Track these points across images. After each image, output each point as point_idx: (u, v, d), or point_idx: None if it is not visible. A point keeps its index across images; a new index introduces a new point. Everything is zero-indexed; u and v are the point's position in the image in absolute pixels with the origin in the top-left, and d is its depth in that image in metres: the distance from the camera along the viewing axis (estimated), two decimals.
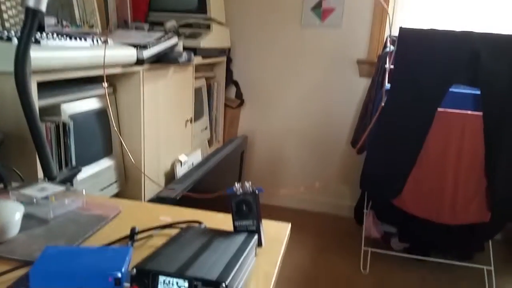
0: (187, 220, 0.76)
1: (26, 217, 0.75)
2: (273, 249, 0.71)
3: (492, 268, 1.96)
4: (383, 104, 1.87)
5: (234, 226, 0.68)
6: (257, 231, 0.67)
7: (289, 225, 0.80)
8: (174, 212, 0.83)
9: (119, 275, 0.53)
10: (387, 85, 1.88)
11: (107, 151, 1.45)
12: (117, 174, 1.50)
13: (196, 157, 2.06)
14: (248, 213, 0.68)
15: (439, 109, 1.78)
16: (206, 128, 2.33)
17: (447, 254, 2.14)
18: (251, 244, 0.60)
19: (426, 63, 1.76)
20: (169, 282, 0.48)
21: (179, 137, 1.92)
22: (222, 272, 0.49)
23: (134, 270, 0.49)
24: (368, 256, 2.10)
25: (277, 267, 0.65)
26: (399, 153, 1.87)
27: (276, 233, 0.77)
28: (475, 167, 1.80)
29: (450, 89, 1.77)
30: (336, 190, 2.72)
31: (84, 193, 0.82)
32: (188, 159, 1.94)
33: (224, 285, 0.47)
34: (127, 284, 0.54)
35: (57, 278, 0.53)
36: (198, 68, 2.20)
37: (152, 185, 1.65)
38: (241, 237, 0.63)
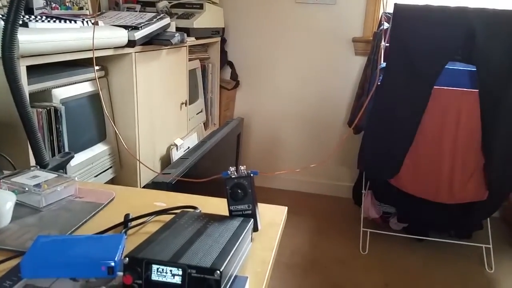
0: (182, 206, 0.75)
1: (18, 205, 0.73)
2: (269, 233, 0.70)
3: (491, 246, 1.98)
4: (378, 83, 1.85)
5: (230, 211, 0.67)
6: (253, 215, 0.67)
7: (286, 208, 0.79)
8: (169, 197, 0.82)
9: (112, 264, 0.52)
10: (383, 64, 1.86)
11: (101, 137, 1.44)
12: (112, 159, 1.48)
13: (192, 140, 2.05)
14: (243, 197, 0.67)
15: (435, 87, 1.76)
16: (201, 111, 2.30)
17: (446, 233, 2.16)
18: (246, 228, 0.60)
19: (421, 40, 1.74)
20: (162, 270, 0.47)
21: (174, 120, 1.90)
22: (216, 259, 0.48)
23: (126, 259, 0.48)
24: (367, 237, 2.11)
25: (273, 252, 0.65)
26: (396, 132, 1.86)
27: (273, 217, 0.76)
28: (472, 145, 1.80)
29: (446, 66, 1.75)
30: (334, 171, 2.72)
31: (76, 180, 0.80)
32: (184, 143, 1.93)
33: (218, 272, 0.46)
34: (120, 273, 0.54)
35: (49, 268, 0.52)
36: (192, 49, 2.17)
37: (147, 169, 1.64)
38: (236, 222, 0.62)
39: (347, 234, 2.22)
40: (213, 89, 2.50)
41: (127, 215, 0.71)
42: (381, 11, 2.38)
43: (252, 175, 0.67)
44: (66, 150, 1.18)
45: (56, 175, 0.80)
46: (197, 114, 2.23)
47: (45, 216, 0.72)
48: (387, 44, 1.87)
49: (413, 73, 1.77)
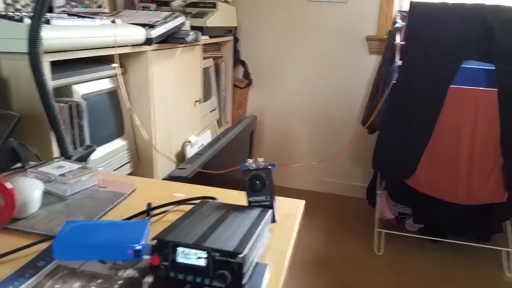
0: (201, 196, 0.78)
1: (45, 194, 0.76)
2: (286, 225, 0.72)
3: (511, 250, 1.94)
4: (394, 81, 1.85)
5: (248, 202, 0.69)
6: (271, 206, 0.68)
7: (303, 202, 0.81)
8: (187, 189, 0.85)
9: (139, 247, 0.55)
10: (398, 62, 1.86)
11: (119, 132, 1.47)
12: (129, 154, 1.51)
13: (206, 137, 2.07)
14: (262, 188, 0.69)
15: (452, 86, 1.76)
16: (215, 109, 2.33)
17: (463, 236, 2.12)
18: (265, 218, 0.62)
19: (438, 38, 1.74)
20: (188, 252, 0.49)
21: (188, 118, 1.92)
22: (238, 244, 0.50)
23: (154, 241, 0.50)
24: (381, 238, 2.10)
25: (291, 243, 0.66)
26: (412, 132, 1.85)
27: (290, 209, 0.78)
28: (490, 145, 1.78)
29: (463, 65, 1.75)
30: (347, 171, 2.73)
31: (100, 171, 0.83)
32: (198, 140, 1.95)
33: (241, 255, 0.48)
34: (145, 256, 0.56)
35: (79, 251, 0.55)
36: (205, 48, 2.19)
37: (164, 165, 1.67)
38: (256, 212, 0.64)
39: (361, 234, 2.22)
40: (226, 88, 2.52)
41: (149, 204, 0.74)
42: (396, 8, 2.39)
43: (270, 167, 0.69)
44: (88, 143, 1.22)
45: (80, 166, 0.83)
46: (210, 112, 2.26)
47: (71, 204, 0.74)
48: (402, 42, 1.87)
49: (429, 72, 1.77)
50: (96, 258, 0.55)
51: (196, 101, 1.99)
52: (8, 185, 0.61)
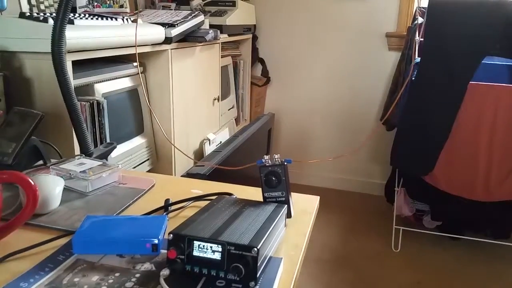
0: (218, 192, 0.79)
1: (66, 190, 0.78)
2: (302, 220, 0.72)
3: None
4: (413, 78, 1.83)
5: (264, 197, 0.70)
6: (286, 202, 0.69)
7: (318, 198, 0.81)
8: (205, 185, 0.86)
9: (156, 241, 0.56)
10: (417, 59, 1.84)
11: (139, 130, 1.49)
12: (149, 152, 1.54)
13: (224, 135, 2.09)
14: (277, 184, 0.69)
15: (471, 82, 1.73)
16: (233, 107, 2.34)
17: (482, 233, 2.10)
18: (281, 213, 0.62)
19: (457, 34, 1.71)
20: (203, 246, 0.50)
21: (206, 115, 1.94)
22: (253, 238, 0.51)
23: (171, 235, 0.51)
24: (399, 235, 2.09)
25: (306, 237, 0.67)
26: (430, 128, 1.83)
27: (305, 205, 0.78)
28: (509, 142, 1.75)
29: (483, 61, 1.71)
30: (365, 168, 2.71)
31: (120, 167, 0.85)
32: (216, 138, 1.97)
33: (255, 249, 0.48)
34: (163, 251, 0.57)
35: (98, 245, 0.56)
36: (224, 46, 2.21)
37: (182, 162, 1.69)
38: (271, 207, 0.64)
39: (378, 232, 2.20)
40: (244, 86, 2.53)
41: (167, 200, 0.75)
42: (415, 5, 2.35)
43: (286, 163, 0.70)
44: (108, 141, 1.24)
45: (101, 163, 0.85)
46: (228, 110, 2.27)
47: (91, 200, 0.76)
48: (422, 39, 1.84)
49: (449, 68, 1.74)
50: (115, 252, 0.56)
51: (215, 99, 2.00)
52: (32, 182, 0.63)
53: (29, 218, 0.62)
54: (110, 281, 0.50)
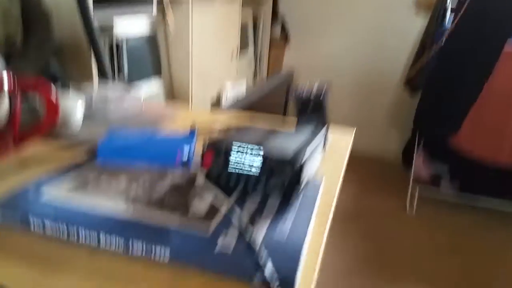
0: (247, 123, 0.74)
1: (86, 118, 0.75)
2: (337, 150, 0.68)
3: None
4: (443, 41, 1.75)
5: (298, 123, 0.65)
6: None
7: (354, 130, 0.77)
8: (232, 118, 0.81)
9: (187, 152, 0.52)
10: (448, 22, 1.76)
11: (157, 73, 1.44)
12: (165, 96, 1.49)
13: (241, 89, 2.03)
14: (314, 114, 0.65)
15: (506, 48, 1.65)
16: (250, 64, 2.28)
17: (501, 200, 2.05)
18: (320, 134, 0.57)
19: (496, 2, 1.62)
20: (242, 158, 0.46)
21: (224, 70, 1.88)
22: (296, 152, 0.46)
23: (207, 142, 0.47)
24: (415, 199, 2.05)
25: (345, 161, 0.63)
26: (459, 92, 1.78)
27: (339, 138, 0.74)
28: None
29: None
30: (383, 133, 2.65)
31: (142, 95, 0.81)
32: (233, 92, 1.92)
33: (299, 163, 0.44)
34: (195, 165, 0.53)
35: (125, 152, 0.52)
36: (244, 2, 2.13)
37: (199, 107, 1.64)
38: (309, 129, 0.60)
39: (394, 195, 2.17)
40: (263, 44, 2.46)
41: (193, 125, 0.71)
42: None
43: (325, 90, 0.65)
44: (126, 80, 1.20)
45: (122, 90, 0.81)
46: (246, 66, 2.21)
47: (113, 126, 0.72)
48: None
49: (482, 32, 1.67)
50: (143, 161, 0.53)
51: (233, 54, 1.94)
52: (54, 92, 0.59)
53: (48, 132, 0.58)
54: (139, 187, 0.46)
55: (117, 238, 0.38)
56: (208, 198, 0.45)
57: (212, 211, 0.42)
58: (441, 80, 1.82)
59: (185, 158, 0.52)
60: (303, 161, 0.45)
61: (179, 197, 0.45)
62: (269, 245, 0.37)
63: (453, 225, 1.93)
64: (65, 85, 0.86)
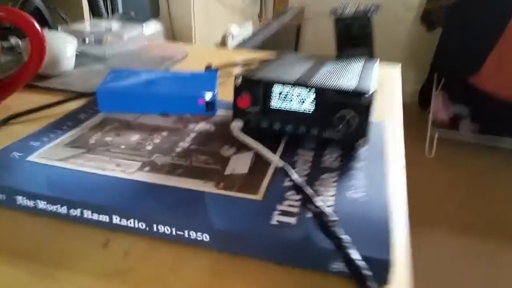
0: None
1: (80, 56, 0.62)
2: (388, 89, 0.56)
3: None
4: None
5: (340, 55, 0.53)
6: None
7: (399, 65, 0.65)
8: (252, 56, 0.69)
9: (211, 97, 0.41)
10: None
11: (154, 14, 1.30)
12: (165, 38, 1.35)
13: (247, 30, 1.88)
14: (360, 39, 0.53)
15: None
16: (255, 3, 2.10)
17: None
18: (375, 65, 0.46)
19: None
20: (287, 93, 0.34)
21: (229, 9, 1.72)
22: (359, 83, 0.35)
23: (240, 78, 0.35)
24: (434, 140, 1.95)
25: (400, 110, 0.52)
26: (482, 29, 1.67)
27: (386, 73, 0.62)
28: None
29: None
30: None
31: (144, 29, 0.68)
32: (239, 32, 1.76)
33: (367, 95, 0.33)
34: (219, 112, 0.42)
35: (133, 100, 0.41)
36: None
37: None
38: (358, 60, 0.48)
39: (412, 137, 2.04)
40: None
41: (208, 66, 0.59)
42: None
43: (372, 11, 0.52)
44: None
45: (120, 24, 0.68)
46: (251, 6, 2.03)
47: (111, 64, 0.60)
48: None
49: None
50: (157, 111, 0.41)
51: None
52: (39, 28, 0.46)
53: (34, 74, 0.46)
54: (157, 140, 0.36)
55: (136, 214, 0.27)
56: (249, 151, 0.34)
57: (257, 169, 0.32)
58: (461, 17, 1.69)
59: (208, 102, 0.40)
60: (372, 89, 0.34)
61: (210, 153, 0.34)
62: (345, 213, 0.27)
63: (474, 166, 1.85)
64: (52, 27, 0.73)
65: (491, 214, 1.55)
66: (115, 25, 0.67)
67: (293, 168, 0.32)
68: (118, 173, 0.30)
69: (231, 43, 1.66)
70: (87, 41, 0.65)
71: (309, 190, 0.27)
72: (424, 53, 2.11)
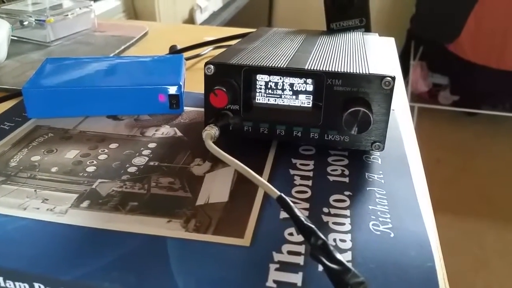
0: (247, 32, 0.52)
1: (16, 42, 0.52)
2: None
3: None
4: None
5: (330, 30, 0.44)
6: (368, 31, 0.44)
7: (393, 39, 0.56)
8: (222, 32, 0.59)
9: (175, 90, 0.31)
10: None
11: None
12: (126, 18, 1.22)
13: (216, 3, 1.75)
14: (351, 7, 0.44)
15: None
16: None
17: (500, 106, 1.93)
18: (379, 40, 0.37)
19: None
20: (276, 84, 0.26)
21: None
22: (371, 66, 0.26)
23: (210, 67, 0.26)
24: (414, 112, 1.90)
25: (404, 90, 0.43)
26: None
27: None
28: None
29: None
30: None
31: (93, 7, 0.57)
32: (208, 5, 1.64)
33: (389, 78, 0.24)
34: (187, 108, 0.33)
35: (71, 101, 0.31)
36: None
37: None
38: (355, 32, 0.39)
39: None
40: None
41: (173, 47, 0.49)
42: None
43: None
44: None
45: (64, 2, 0.57)
46: None
47: (55, 51, 0.50)
48: None
49: None
50: (104, 112, 0.32)
51: None
52: None
53: None
54: (102, 157, 0.26)
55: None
56: (228, 170, 0.25)
57: (241, 193, 0.23)
58: None
59: (172, 96, 0.31)
60: (392, 72, 0.25)
61: (175, 172, 0.25)
62: (369, 259, 0.19)
63: (456, 138, 1.82)
64: None
65: (477, 191, 1.52)
66: (57, 2, 0.56)
67: (289, 188, 0.23)
68: (43, 213, 0.21)
69: (199, 17, 1.54)
70: (25, 24, 0.55)
71: (318, 233, 0.19)
72: (400, 19, 2.04)
